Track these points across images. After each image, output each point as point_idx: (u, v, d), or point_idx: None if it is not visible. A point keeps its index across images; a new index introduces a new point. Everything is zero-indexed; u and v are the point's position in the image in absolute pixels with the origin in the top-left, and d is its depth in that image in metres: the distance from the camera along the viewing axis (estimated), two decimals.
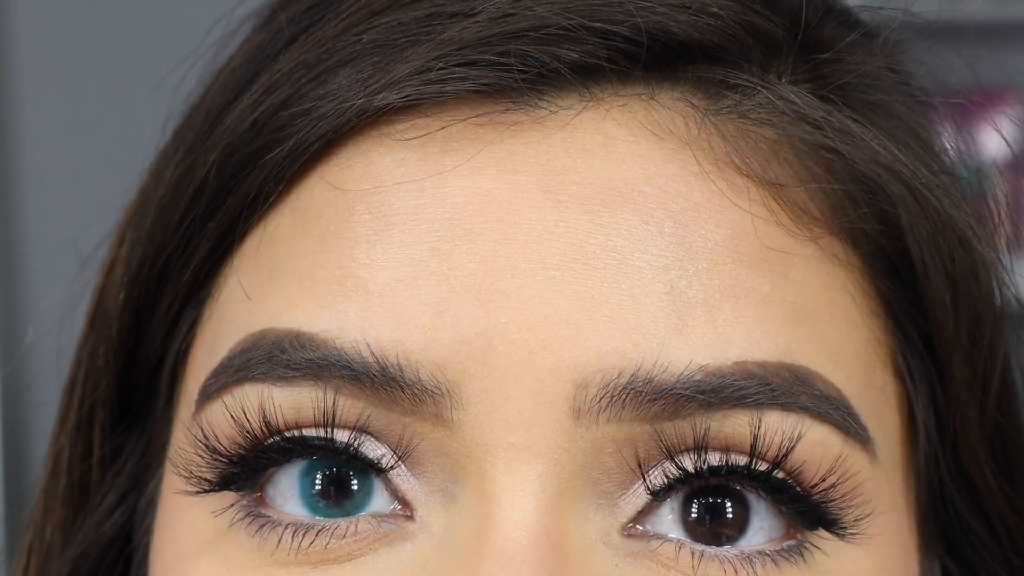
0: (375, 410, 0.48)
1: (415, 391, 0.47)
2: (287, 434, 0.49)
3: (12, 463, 1.90)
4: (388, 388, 0.47)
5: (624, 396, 0.47)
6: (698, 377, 0.47)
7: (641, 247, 0.48)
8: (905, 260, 0.52)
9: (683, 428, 0.47)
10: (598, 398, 0.47)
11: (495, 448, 0.47)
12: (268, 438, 0.49)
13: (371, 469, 0.49)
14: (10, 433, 1.90)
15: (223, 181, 0.52)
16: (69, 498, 0.59)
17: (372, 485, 0.49)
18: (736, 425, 0.48)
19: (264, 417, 0.49)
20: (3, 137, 1.97)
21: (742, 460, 0.48)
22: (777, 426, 0.48)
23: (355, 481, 0.49)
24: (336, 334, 0.48)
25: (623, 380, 0.47)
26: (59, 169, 1.89)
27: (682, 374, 0.47)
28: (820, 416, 0.48)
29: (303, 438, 0.49)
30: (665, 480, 0.48)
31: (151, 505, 0.57)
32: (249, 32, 0.56)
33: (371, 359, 0.47)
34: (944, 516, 0.55)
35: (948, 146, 0.56)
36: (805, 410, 0.48)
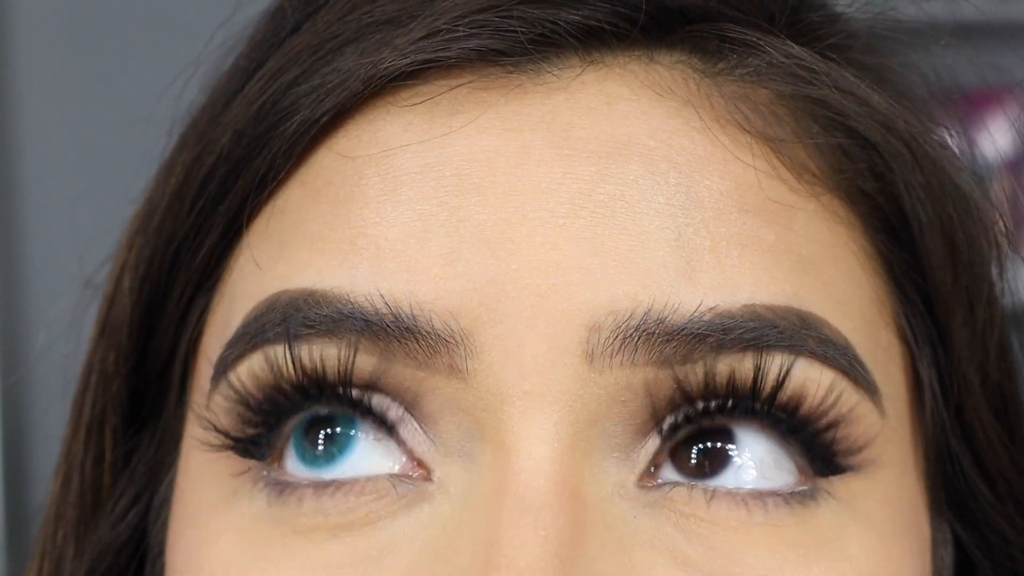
0: (390, 365, 0.48)
1: (430, 341, 0.48)
2: (310, 373, 0.49)
3: (12, 466, 1.89)
4: (403, 339, 0.48)
5: (636, 338, 0.47)
6: (708, 318, 0.48)
7: (648, 196, 0.48)
8: (902, 220, 0.53)
9: (692, 374, 0.48)
10: (611, 340, 0.47)
11: (511, 397, 0.47)
12: (293, 376, 0.49)
13: (383, 425, 0.49)
14: (10, 436, 1.89)
15: (233, 163, 0.52)
16: (81, 503, 0.59)
17: (355, 424, 0.50)
18: (746, 369, 0.48)
19: (291, 353, 0.49)
20: (7, 145, 1.98)
21: (747, 386, 0.48)
22: (785, 367, 0.48)
23: (339, 428, 0.49)
24: (349, 289, 0.48)
25: (635, 321, 0.47)
26: (65, 177, 1.89)
27: (693, 315, 0.48)
28: (827, 361, 0.49)
29: (324, 378, 0.49)
30: (675, 422, 0.49)
31: (164, 504, 0.57)
32: (255, 27, 0.57)
33: (385, 310, 0.48)
34: (951, 478, 0.56)
35: (950, 135, 0.57)
36: (812, 354, 0.49)
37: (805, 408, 0.49)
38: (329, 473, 0.49)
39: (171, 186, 0.55)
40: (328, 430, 0.50)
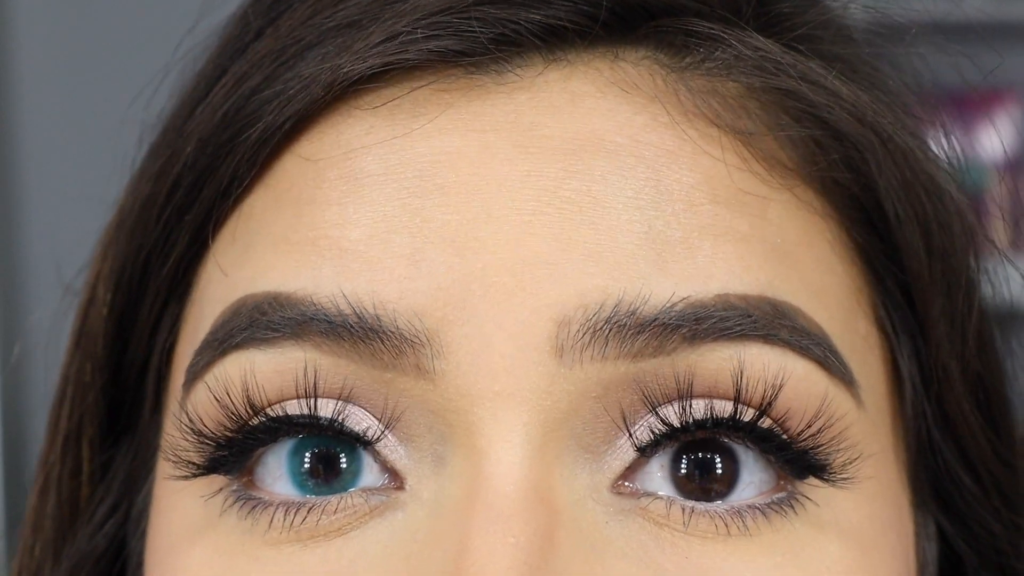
0: (358, 368, 0.48)
1: (395, 341, 0.47)
2: (271, 412, 0.49)
3: (12, 471, 1.89)
4: (367, 340, 0.47)
5: (607, 330, 0.47)
6: (680, 308, 0.47)
7: (616, 190, 0.48)
8: (878, 210, 0.52)
9: (665, 369, 0.47)
10: (580, 334, 0.47)
11: (480, 399, 0.47)
12: (252, 418, 0.49)
13: (358, 443, 0.49)
14: (10, 436, 1.89)
15: (198, 173, 0.52)
16: (59, 515, 0.58)
17: (361, 461, 0.49)
18: (720, 360, 0.48)
19: (247, 395, 0.49)
20: None
21: (727, 410, 0.48)
22: (760, 361, 0.48)
23: (344, 458, 0.49)
24: (312, 290, 0.48)
25: (605, 313, 0.47)
26: (50, 189, 1.90)
27: (664, 305, 0.47)
28: (802, 351, 0.48)
29: (287, 417, 0.49)
30: (651, 435, 0.48)
31: (143, 513, 0.56)
32: (220, 34, 0.57)
33: (348, 311, 0.47)
34: (934, 471, 0.55)
35: (942, 142, 0.56)
36: (787, 344, 0.48)
37: (782, 412, 0.48)
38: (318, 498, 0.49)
39: (140, 196, 0.55)
40: (318, 452, 0.49)
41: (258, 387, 0.49)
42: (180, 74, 0.58)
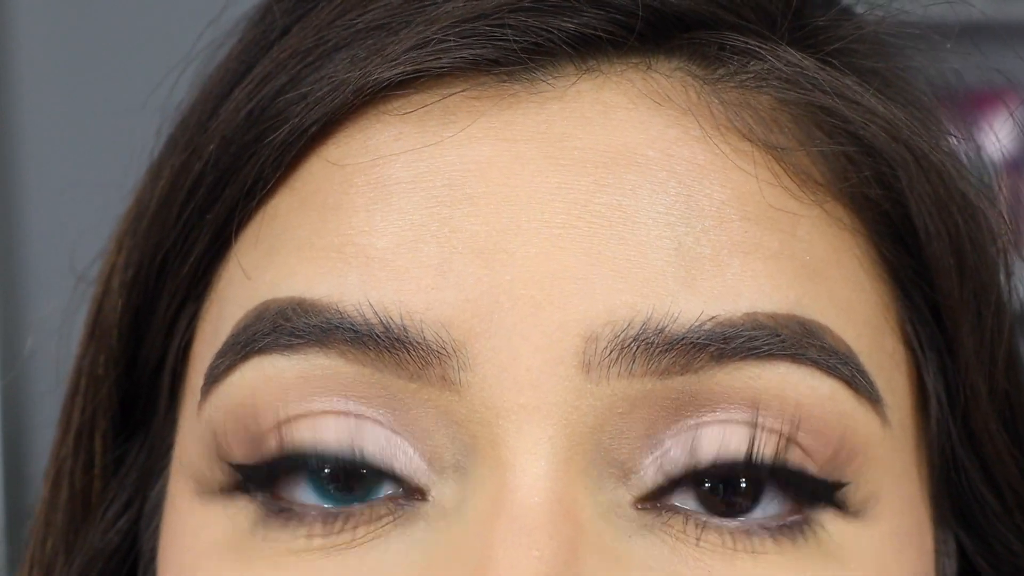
0: (383, 378, 0.47)
1: (421, 352, 0.47)
2: (303, 450, 0.48)
3: (12, 471, 1.89)
4: (393, 350, 0.47)
5: (635, 348, 0.46)
6: (708, 327, 0.47)
7: (647, 205, 0.47)
8: (909, 227, 0.51)
9: (688, 389, 0.47)
10: (608, 350, 0.46)
11: (505, 411, 0.46)
12: (279, 445, 0.49)
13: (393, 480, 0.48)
14: (10, 437, 1.89)
15: (221, 171, 0.51)
16: (71, 510, 0.58)
17: (383, 474, 0.48)
18: (746, 379, 0.47)
19: (273, 423, 0.48)
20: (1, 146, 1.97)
21: (743, 446, 0.48)
22: (786, 381, 0.47)
23: (365, 469, 0.48)
24: (338, 298, 0.47)
25: (633, 331, 0.46)
26: (57, 178, 1.89)
27: (693, 324, 0.47)
28: (829, 370, 0.48)
29: (318, 454, 0.48)
30: (675, 467, 0.48)
31: (156, 509, 0.56)
32: (244, 29, 0.56)
33: (375, 320, 0.47)
34: (957, 488, 0.55)
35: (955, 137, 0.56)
36: (814, 363, 0.48)
37: (803, 432, 0.48)
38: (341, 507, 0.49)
39: (159, 191, 0.54)
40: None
41: (280, 407, 0.48)
42: (199, 64, 0.57)
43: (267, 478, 0.49)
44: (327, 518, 0.48)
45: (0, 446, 1.85)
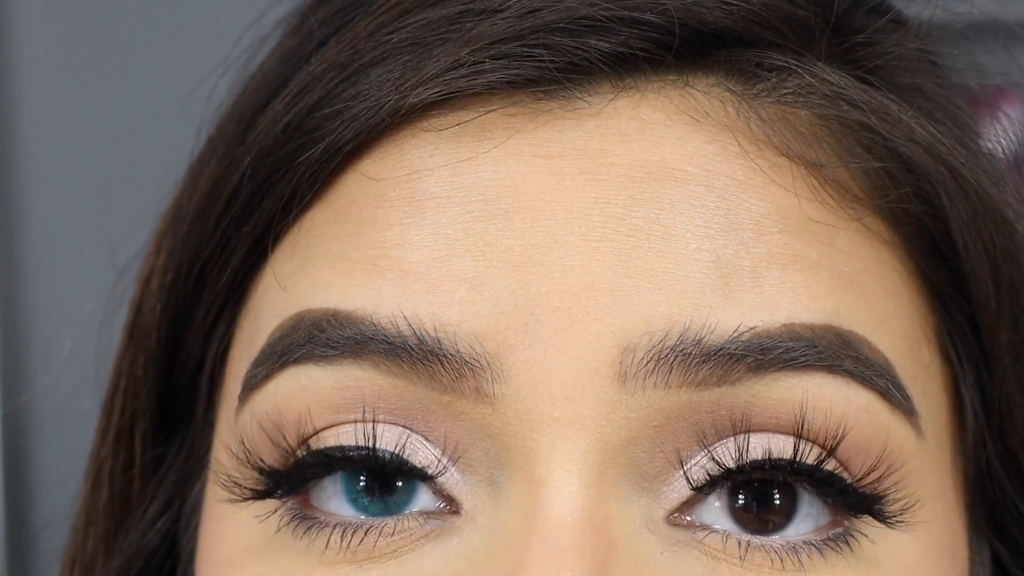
0: (417, 390, 0.47)
1: (455, 364, 0.47)
2: (327, 442, 0.49)
3: (12, 471, 1.90)
4: (427, 363, 0.47)
5: (672, 358, 0.46)
6: (746, 338, 0.47)
7: (685, 218, 0.47)
8: (947, 241, 0.51)
9: (726, 399, 0.47)
10: (644, 361, 0.46)
11: (540, 424, 0.46)
12: (308, 454, 0.49)
13: (418, 478, 0.48)
14: (10, 438, 1.90)
15: (257, 184, 0.52)
16: (111, 510, 0.59)
17: (416, 484, 0.49)
18: (783, 390, 0.47)
19: (300, 430, 0.49)
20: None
21: (787, 452, 0.47)
22: (823, 392, 0.47)
23: (399, 481, 0.49)
24: (372, 310, 0.48)
25: (670, 341, 0.46)
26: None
27: (730, 336, 0.47)
28: (865, 381, 0.48)
29: (344, 455, 0.48)
30: (707, 476, 0.48)
31: (195, 511, 0.57)
32: (280, 37, 0.56)
33: (408, 332, 0.47)
34: (992, 499, 0.55)
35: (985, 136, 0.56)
36: (850, 374, 0.48)
37: (845, 456, 0.48)
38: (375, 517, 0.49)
39: (198, 197, 0.54)
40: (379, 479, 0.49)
41: (311, 416, 0.48)
42: (233, 70, 0.57)
43: (298, 485, 0.49)
44: (358, 528, 0.48)
45: (0, 447, 1.86)
